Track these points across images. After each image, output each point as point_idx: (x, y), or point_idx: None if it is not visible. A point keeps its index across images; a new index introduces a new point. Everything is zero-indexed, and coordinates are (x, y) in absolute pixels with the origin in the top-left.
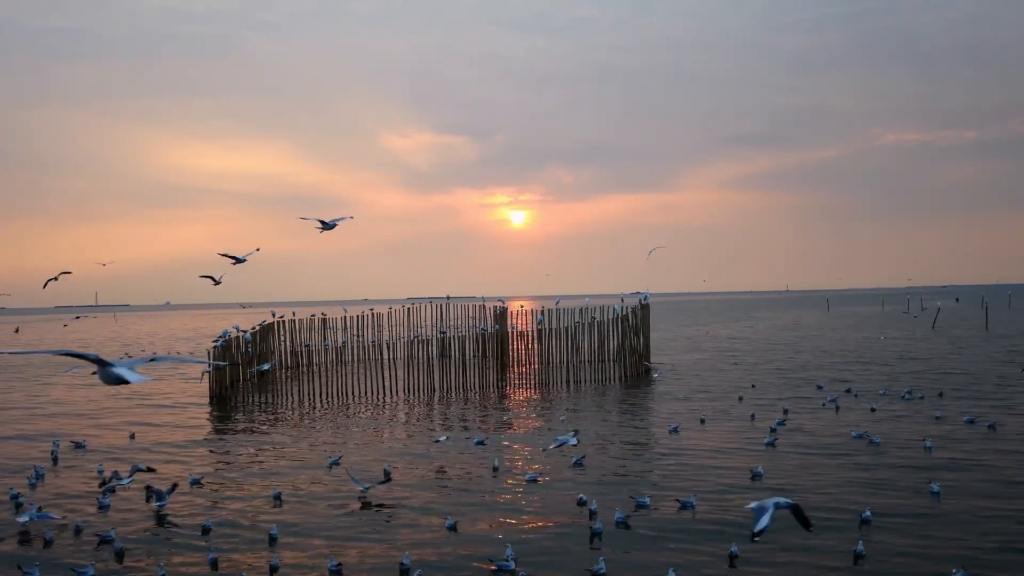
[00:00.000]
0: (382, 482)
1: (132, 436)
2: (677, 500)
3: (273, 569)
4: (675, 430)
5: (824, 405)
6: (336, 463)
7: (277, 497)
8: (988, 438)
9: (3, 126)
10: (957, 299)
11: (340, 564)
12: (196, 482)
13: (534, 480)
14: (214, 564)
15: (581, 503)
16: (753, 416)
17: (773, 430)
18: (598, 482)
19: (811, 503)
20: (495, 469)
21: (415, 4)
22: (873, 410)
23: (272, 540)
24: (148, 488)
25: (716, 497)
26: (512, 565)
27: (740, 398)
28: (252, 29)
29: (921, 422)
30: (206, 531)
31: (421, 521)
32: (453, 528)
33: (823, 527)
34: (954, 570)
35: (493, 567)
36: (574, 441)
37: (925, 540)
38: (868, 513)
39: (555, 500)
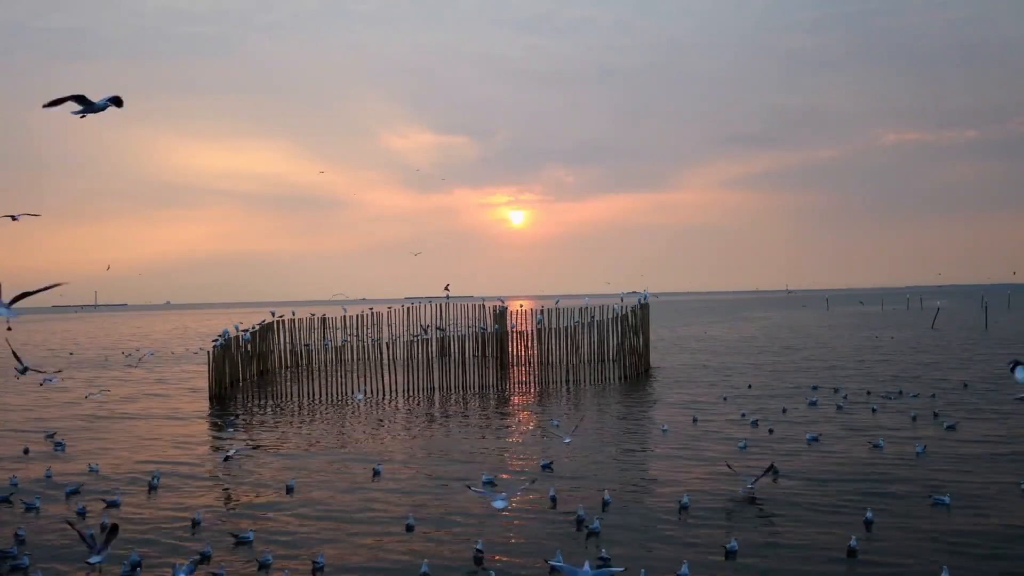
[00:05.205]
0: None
1: (52, 434)
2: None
3: (263, 565)
4: (665, 430)
5: (811, 404)
6: (229, 456)
7: (287, 489)
8: (978, 439)
9: (3, 126)
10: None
11: (322, 565)
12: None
13: (490, 482)
14: (205, 558)
15: (553, 499)
16: (744, 415)
17: (771, 430)
18: (585, 479)
19: (809, 502)
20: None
21: (415, 4)
22: (874, 411)
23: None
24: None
25: (711, 494)
26: (562, 563)
27: (724, 398)
28: (253, 29)
29: (915, 423)
30: (195, 524)
31: (393, 519)
32: (410, 528)
33: (820, 526)
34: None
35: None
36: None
37: (921, 539)
38: (869, 514)
39: (529, 500)
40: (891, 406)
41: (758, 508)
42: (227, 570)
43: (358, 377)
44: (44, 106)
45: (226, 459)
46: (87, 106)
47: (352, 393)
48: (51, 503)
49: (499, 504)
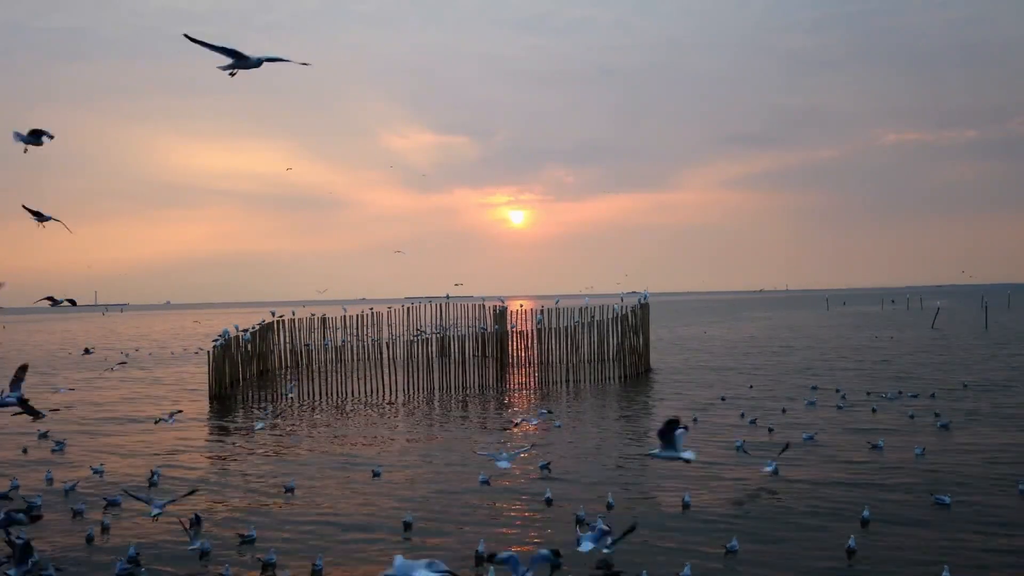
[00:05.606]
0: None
1: (45, 433)
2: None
3: (267, 565)
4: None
5: (810, 404)
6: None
7: (288, 488)
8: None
9: (3, 126)
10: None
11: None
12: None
13: (485, 482)
14: (204, 554)
15: (548, 502)
16: (743, 414)
17: (770, 429)
18: (584, 479)
19: (809, 502)
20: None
21: (415, 4)
22: (874, 411)
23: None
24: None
25: (711, 494)
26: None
27: (723, 398)
28: (253, 29)
29: (915, 424)
30: (194, 523)
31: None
32: (408, 525)
33: (820, 526)
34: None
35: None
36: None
37: (921, 539)
38: (867, 513)
39: (529, 500)
40: (891, 406)
41: (758, 507)
42: (231, 570)
43: (358, 377)
44: (185, 36)
45: (260, 427)
46: (238, 60)
47: (288, 389)
48: (51, 504)
49: (503, 464)
